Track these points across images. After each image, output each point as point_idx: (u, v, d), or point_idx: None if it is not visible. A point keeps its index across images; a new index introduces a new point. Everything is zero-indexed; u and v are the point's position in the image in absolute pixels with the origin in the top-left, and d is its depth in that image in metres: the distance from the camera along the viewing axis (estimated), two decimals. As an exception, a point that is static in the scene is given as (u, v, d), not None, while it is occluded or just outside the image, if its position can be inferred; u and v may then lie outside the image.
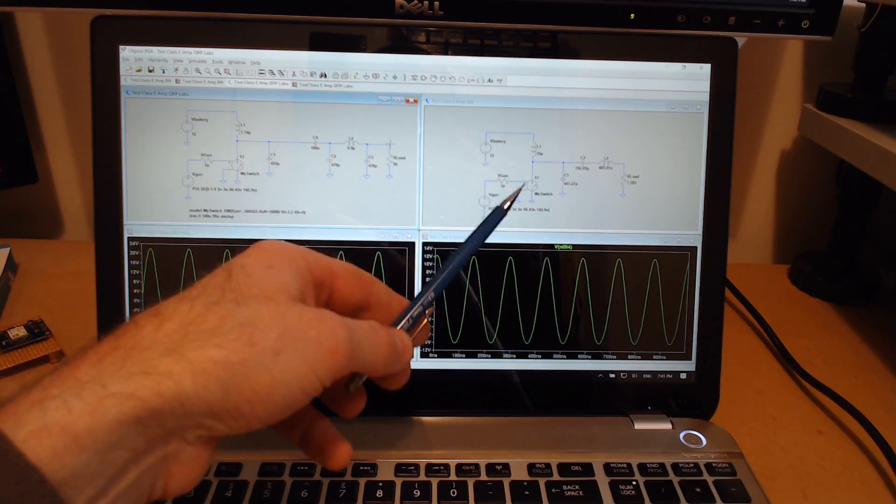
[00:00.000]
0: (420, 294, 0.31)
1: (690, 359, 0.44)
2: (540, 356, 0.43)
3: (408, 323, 0.31)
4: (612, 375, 0.44)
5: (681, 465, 0.39)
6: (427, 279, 0.42)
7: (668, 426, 0.43)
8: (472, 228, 0.42)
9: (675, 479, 0.38)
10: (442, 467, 0.38)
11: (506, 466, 0.38)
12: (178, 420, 0.22)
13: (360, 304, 0.30)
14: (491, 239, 0.42)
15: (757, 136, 0.70)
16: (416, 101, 0.42)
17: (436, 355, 0.43)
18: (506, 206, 0.33)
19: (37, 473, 0.19)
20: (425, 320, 0.32)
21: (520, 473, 0.38)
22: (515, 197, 0.34)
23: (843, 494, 0.41)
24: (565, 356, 0.43)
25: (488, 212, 0.42)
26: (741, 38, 0.46)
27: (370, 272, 0.42)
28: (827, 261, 0.66)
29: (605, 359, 0.44)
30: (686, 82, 0.43)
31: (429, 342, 0.43)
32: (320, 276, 0.28)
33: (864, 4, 0.59)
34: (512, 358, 0.43)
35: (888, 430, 0.44)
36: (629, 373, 0.44)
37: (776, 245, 0.75)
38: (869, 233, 0.65)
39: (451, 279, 0.32)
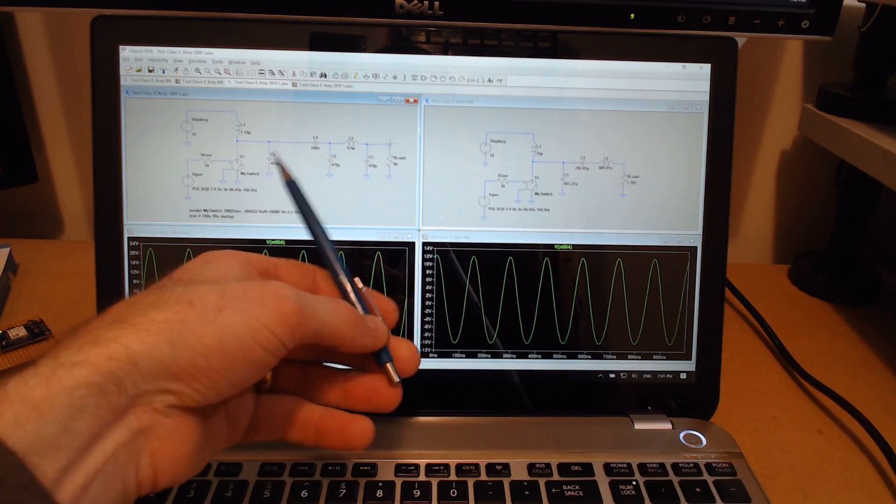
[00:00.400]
0: (326, 263, 0.32)
1: (690, 359, 0.44)
2: (540, 356, 0.43)
3: (349, 293, 0.31)
4: (612, 375, 0.44)
5: (681, 465, 0.39)
6: (428, 280, 0.42)
7: (668, 426, 0.43)
8: (473, 229, 0.43)
9: (675, 479, 0.38)
10: (442, 467, 0.38)
11: (506, 466, 0.38)
12: (137, 383, 0.23)
13: (306, 290, 0.31)
14: (491, 238, 0.43)
15: (757, 136, 0.70)
16: (416, 101, 0.42)
17: (436, 355, 0.43)
18: (287, 178, 0.33)
19: (2, 445, 0.19)
20: (386, 301, 0.33)
21: (520, 473, 0.38)
22: (282, 167, 0.33)
23: (843, 494, 0.41)
24: (565, 356, 0.43)
25: (481, 211, 0.43)
26: (741, 38, 0.46)
27: (370, 272, 0.42)
28: (827, 261, 0.66)
29: (605, 359, 0.44)
30: (686, 82, 0.43)
31: (428, 342, 0.43)
32: (264, 266, 0.30)
33: (864, 4, 0.59)
34: (512, 358, 0.43)
35: (888, 430, 0.44)
36: (629, 373, 0.44)
37: (776, 245, 0.75)
38: (869, 233, 0.65)
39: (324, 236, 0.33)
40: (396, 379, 0.31)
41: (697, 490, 0.38)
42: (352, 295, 0.31)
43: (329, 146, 0.42)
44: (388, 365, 0.31)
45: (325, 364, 0.32)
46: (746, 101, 0.67)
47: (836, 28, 0.50)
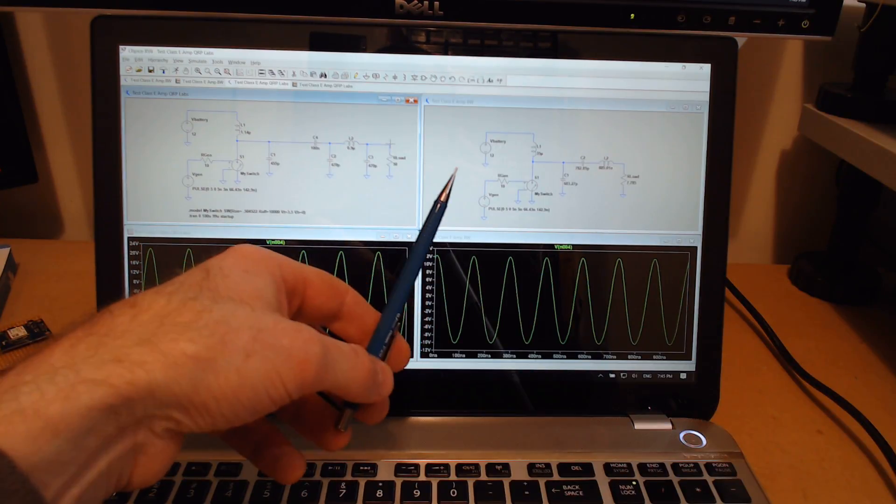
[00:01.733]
0: (386, 316, 0.31)
1: (690, 359, 0.44)
2: (540, 356, 0.43)
3: (383, 349, 0.30)
4: (612, 375, 0.44)
5: (681, 465, 0.39)
6: (428, 280, 0.42)
7: (668, 426, 0.43)
8: (473, 229, 0.43)
9: (675, 479, 0.38)
10: (442, 467, 0.38)
11: (506, 466, 0.38)
12: (148, 409, 0.22)
13: (332, 313, 0.30)
14: (491, 238, 0.43)
15: (757, 136, 0.70)
16: (416, 101, 0.42)
17: (436, 355, 0.43)
18: (443, 199, 0.32)
19: (6, 458, 0.19)
20: (403, 344, 0.31)
21: (520, 473, 0.38)
22: (451, 186, 0.33)
23: (843, 494, 0.41)
24: (565, 356, 0.43)
25: (481, 211, 0.43)
26: (741, 38, 0.46)
27: (370, 273, 0.42)
28: (827, 261, 0.66)
29: (605, 359, 0.44)
30: (686, 82, 0.43)
31: (428, 342, 0.43)
32: (293, 283, 0.29)
33: (863, 4, 0.59)
34: (512, 358, 0.43)
35: (888, 430, 0.44)
36: (629, 373, 0.44)
37: (776, 245, 0.75)
38: (869, 233, 0.65)
39: (409, 291, 0.32)
40: (343, 428, 0.30)
41: (697, 490, 0.38)
42: (385, 342, 0.30)
43: (329, 146, 0.42)
44: (347, 410, 0.30)
45: None
46: (747, 100, 0.67)
47: (836, 28, 0.50)
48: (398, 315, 0.31)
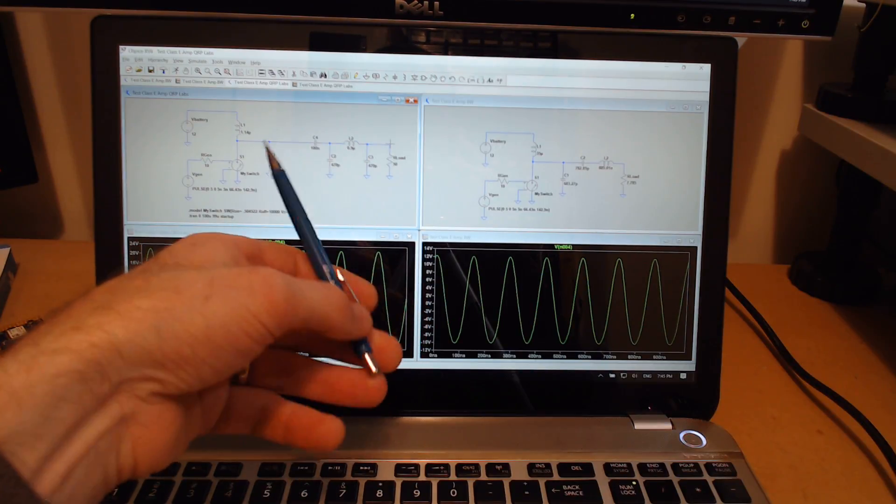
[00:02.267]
0: (308, 251, 0.32)
1: (690, 359, 0.44)
2: (540, 356, 0.43)
3: (328, 279, 0.30)
4: (612, 375, 0.44)
5: (681, 465, 0.39)
6: (428, 280, 0.42)
7: (668, 426, 0.43)
8: (473, 229, 0.43)
9: (675, 479, 0.38)
10: (442, 467, 0.38)
11: (506, 466, 0.38)
12: (121, 371, 0.22)
13: (289, 273, 0.30)
14: (491, 238, 0.43)
15: (757, 136, 0.70)
16: (416, 101, 0.42)
17: (436, 355, 0.43)
18: (276, 167, 0.32)
19: None
20: (361, 282, 0.32)
21: (520, 473, 0.38)
22: (270, 155, 0.32)
23: (843, 495, 0.41)
24: (565, 356, 0.43)
25: (481, 211, 0.43)
26: (741, 38, 0.46)
27: (370, 272, 0.42)
28: (827, 261, 0.66)
29: (605, 359, 0.44)
30: (686, 82, 0.43)
31: (429, 342, 0.43)
32: (249, 251, 0.29)
33: (863, 4, 0.59)
34: (512, 358, 0.43)
35: (888, 430, 0.44)
36: (629, 373, 0.44)
37: (776, 245, 0.75)
38: (869, 233, 0.65)
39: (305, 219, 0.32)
40: (374, 369, 0.30)
41: (697, 490, 0.38)
42: (331, 281, 0.30)
43: (329, 146, 0.42)
44: (367, 355, 0.30)
45: (307, 356, 0.32)
46: (747, 100, 0.67)
47: (836, 28, 0.50)
48: (320, 254, 0.31)
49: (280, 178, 0.32)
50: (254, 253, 0.30)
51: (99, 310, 0.23)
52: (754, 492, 0.38)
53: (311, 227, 0.32)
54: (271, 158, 0.32)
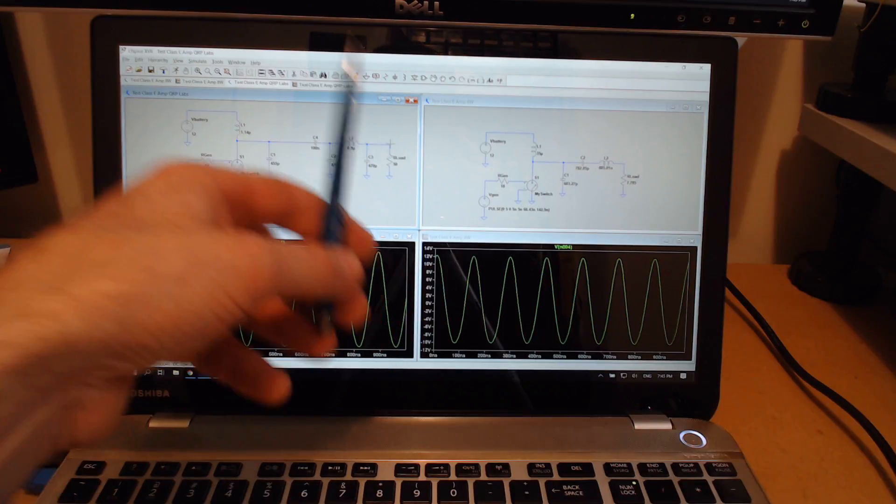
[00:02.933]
0: (328, 198, 0.29)
1: (690, 359, 0.44)
2: (540, 356, 0.43)
3: (339, 231, 0.28)
4: (612, 375, 0.44)
5: (681, 465, 0.39)
6: (428, 280, 0.42)
7: (668, 426, 0.43)
8: (473, 229, 0.43)
9: (675, 479, 0.38)
10: (442, 467, 0.38)
11: (506, 466, 0.38)
12: (71, 363, 0.20)
13: (284, 212, 0.28)
14: (491, 238, 0.43)
15: (757, 136, 0.70)
16: (416, 101, 0.42)
17: (436, 355, 0.43)
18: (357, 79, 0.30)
19: None
20: (360, 230, 0.30)
21: (520, 473, 0.38)
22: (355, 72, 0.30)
23: (842, 494, 0.41)
24: (565, 356, 0.43)
25: (481, 211, 0.43)
26: (741, 38, 0.46)
27: (370, 272, 0.42)
28: (827, 261, 0.66)
29: (605, 359, 0.44)
30: (686, 82, 0.43)
31: (429, 342, 0.43)
32: (235, 193, 0.26)
33: (863, 4, 0.59)
34: (512, 358, 0.43)
35: (888, 429, 0.44)
36: (629, 373, 0.44)
37: (776, 245, 0.75)
38: (869, 233, 0.65)
39: (343, 169, 0.30)
40: (326, 331, 0.28)
41: (697, 490, 0.38)
42: (337, 225, 0.28)
43: (329, 146, 0.41)
44: (324, 316, 0.28)
45: None
46: (747, 100, 0.67)
47: (836, 28, 0.50)
48: (339, 196, 0.29)
49: (350, 98, 0.29)
50: (239, 195, 0.26)
51: (53, 292, 0.19)
52: (754, 492, 0.38)
53: (346, 170, 0.29)
54: (353, 73, 0.29)
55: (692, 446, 0.41)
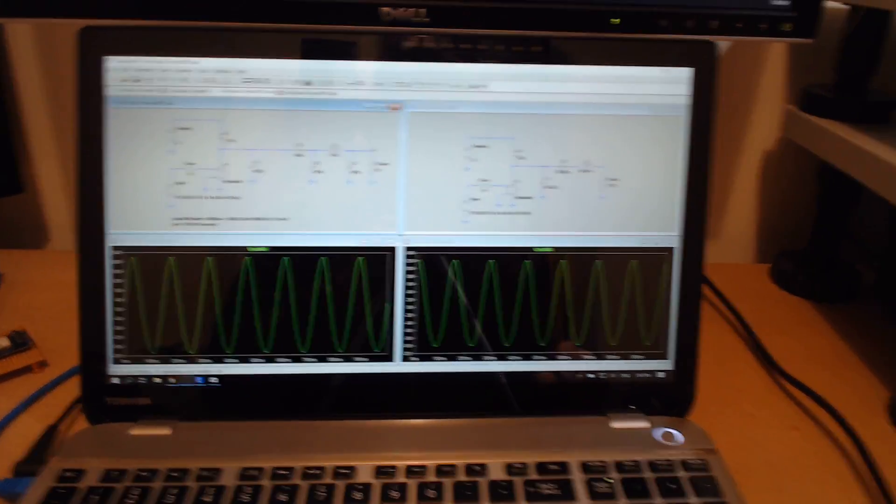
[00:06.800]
0: None
1: (668, 358, 0.45)
2: (520, 358, 0.44)
3: None
4: (591, 375, 0.45)
5: (656, 462, 0.40)
6: (410, 284, 0.43)
7: (644, 424, 0.44)
8: (455, 233, 0.44)
9: (650, 476, 0.39)
10: (421, 469, 0.39)
11: (484, 467, 0.39)
12: None
13: None
14: (472, 242, 0.43)
15: (740, 137, 0.70)
16: (399, 108, 0.43)
17: (417, 358, 0.44)
18: None
19: None
20: None
21: (497, 473, 0.39)
22: None
23: (815, 489, 0.42)
24: (545, 357, 0.44)
25: (463, 216, 0.44)
26: (724, 42, 0.46)
27: (353, 277, 0.43)
28: (807, 259, 0.66)
29: (584, 359, 0.45)
30: (667, 86, 0.44)
31: (410, 345, 0.44)
32: None
33: (844, 6, 0.59)
34: (493, 360, 0.44)
35: (864, 425, 0.45)
36: (608, 373, 0.45)
37: (759, 244, 0.76)
38: (849, 231, 0.66)
39: None
40: None
41: (672, 486, 0.39)
42: None
43: (313, 153, 0.42)
44: None
45: None
46: (730, 102, 0.68)
47: (817, 30, 0.51)
48: None
49: None
50: None
51: None
52: (728, 487, 0.39)
53: None
54: None
55: (668, 444, 0.42)
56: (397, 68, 0.43)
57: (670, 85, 0.44)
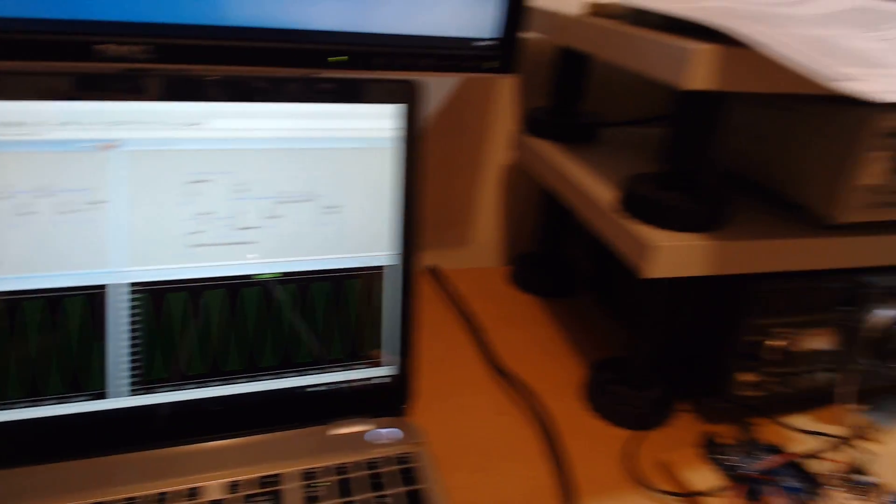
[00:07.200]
0: None
1: (386, 364, 0.50)
2: (247, 380, 0.47)
3: None
4: (314, 389, 0.49)
5: (369, 461, 0.46)
6: (133, 319, 0.45)
7: (364, 428, 0.49)
8: (178, 266, 0.45)
9: (363, 475, 0.44)
10: (138, 499, 0.41)
11: (202, 489, 0.42)
12: None
13: None
14: (195, 274, 0.46)
15: (483, 156, 0.78)
16: (114, 147, 0.44)
17: (143, 392, 0.45)
18: None
19: None
20: None
21: (216, 493, 0.42)
22: None
23: (510, 466, 0.49)
24: (271, 377, 0.48)
25: (185, 249, 0.45)
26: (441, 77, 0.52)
27: (68, 318, 0.43)
28: (536, 261, 0.76)
29: (308, 375, 0.49)
30: (375, 121, 0.49)
31: (137, 380, 0.45)
32: None
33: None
34: (220, 385, 0.47)
35: (560, 405, 0.54)
36: (330, 385, 0.49)
37: (504, 249, 0.84)
38: (572, 233, 0.76)
39: None
40: None
41: (381, 481, 0.44)
42: None
43: (22, 195, 0.42)
44: None
45: None
46: (473, 125, 0.75)
47: (518, 67, 0.58)
48: None
49: None
50: None
51: None
52: (431, 475, 0.45)
53: None
54: None
55: (383, 443, 0.48)
56: (111, 107, 0.43)
57: (379, 120, 0.49)
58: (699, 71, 0.43)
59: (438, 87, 0.73)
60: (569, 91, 0.71)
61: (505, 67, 0.59)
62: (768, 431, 0.55)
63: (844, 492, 0.50)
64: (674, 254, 0.48)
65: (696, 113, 0.49)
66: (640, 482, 0.49)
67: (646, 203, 0.50)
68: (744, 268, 0.50)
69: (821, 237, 0.51)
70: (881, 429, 0.57)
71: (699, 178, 0.51)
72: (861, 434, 0.56)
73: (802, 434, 0.55)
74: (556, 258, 0.76)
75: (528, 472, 0.49)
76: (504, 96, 0.76)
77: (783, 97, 0.51)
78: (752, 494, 0.48)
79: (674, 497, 0.48)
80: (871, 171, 0.48)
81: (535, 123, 0.71)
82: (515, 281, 0.76)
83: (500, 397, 0.57)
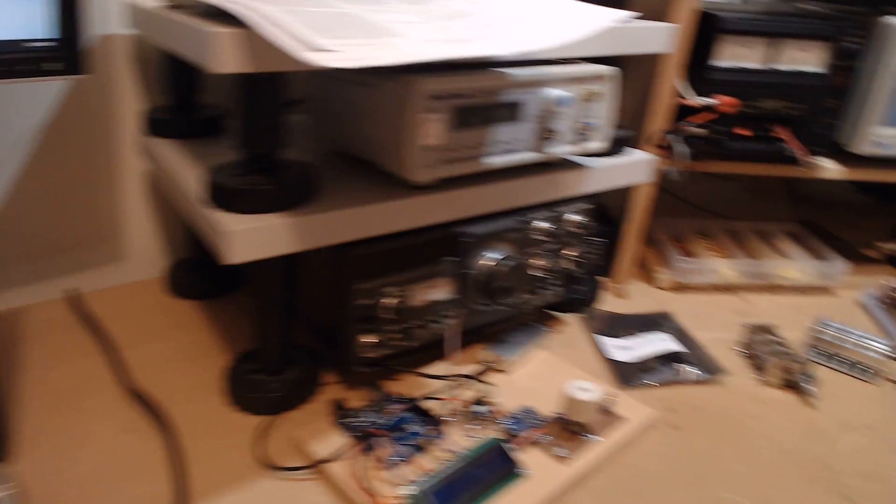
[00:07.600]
0: None
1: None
2: None
3: None
4: None
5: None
6: None
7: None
8: None
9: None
10: None
11: None
12: None
13: None
14: None
15: (118, 166, 0.71)
16: None
17: None
18: None
19: None
20: None
21: None
22: None
23: (122, 485, 0.47)
24: None
25: None
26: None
27: None
28: (194, 265, 0.73)
29: None
30: None
31: None
32: None
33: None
34: None
35: (200, 405, 0.54)
36: None
37: (162, 259, 0.78)
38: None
39: None
40: None
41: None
42: None
43: None
44: None
45: None
46: (100, 134, 0.68)
47: (85, 69, 0.54)
48: None
49: None
50: None
51: None
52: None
53: None
54: None
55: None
56: None
57: None
58: (225, 54, 0.43)
59: (34, 97, 0.65)
60: (183, 85, 0.68)
61: (72, 69, 0.55)
62: (407, 385, 0.58)
63: (465, 424, 0.55)
64: (252, 236, 0.48)
65: (254, 96, 0.49)
66: (266, 465, 0.50)
67: (224, 191, 0.50)
68: (335, 238, 0.52)
69: (409, 198, 0.54)
70: (505, 360, 0.63)
71: (275, 161, 0.52)
72: (488, 368, 0.62)
73: (432, 380, 0.59)
74: (212, 258, 0.74)
75: (146, 488, 0.47)
76: (125, 99, 0.71)
77: (366, 73, 0.54)
78: (369, 448, 0.51)
79: (300, 471, 0.49)
80: (428, 132, 0.52)
81: (155, 123, 0.68)
82: (172, 288, 0.73)
83: (129, 416, 0.54)
